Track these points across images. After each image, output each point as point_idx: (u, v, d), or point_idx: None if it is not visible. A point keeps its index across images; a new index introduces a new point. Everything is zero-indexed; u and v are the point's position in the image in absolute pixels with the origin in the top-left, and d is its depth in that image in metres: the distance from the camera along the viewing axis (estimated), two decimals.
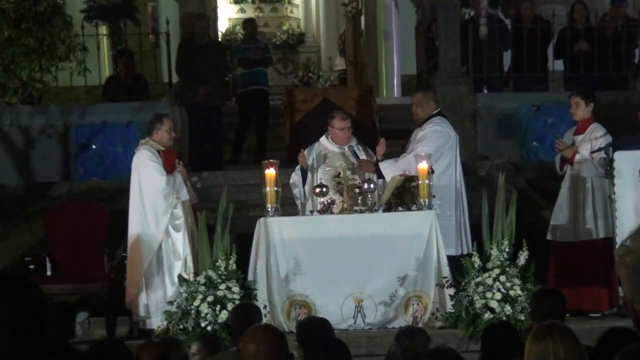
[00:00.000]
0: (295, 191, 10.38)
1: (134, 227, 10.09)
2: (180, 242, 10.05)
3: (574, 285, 10.25)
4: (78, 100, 14.86)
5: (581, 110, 10.57)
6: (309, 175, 10.32)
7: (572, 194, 10.44)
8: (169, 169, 10.14)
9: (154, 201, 10.03)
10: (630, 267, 3.22)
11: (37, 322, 3.07)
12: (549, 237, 10.54)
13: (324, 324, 6.12)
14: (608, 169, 10.00)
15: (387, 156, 10.26)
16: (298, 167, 10.40)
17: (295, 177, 10.39)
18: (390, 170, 9.99)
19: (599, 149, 10.19)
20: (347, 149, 10.34)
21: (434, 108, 10.49)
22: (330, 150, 10.38)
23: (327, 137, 10.46)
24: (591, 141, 10.38)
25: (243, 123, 14.79)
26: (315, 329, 5.94)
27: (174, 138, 10.48)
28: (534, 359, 3.90)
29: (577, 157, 10.36)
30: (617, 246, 9.71)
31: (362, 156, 10.32)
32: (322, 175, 10.24)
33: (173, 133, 10.39)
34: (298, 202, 10.43)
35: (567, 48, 14.50)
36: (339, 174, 10.11)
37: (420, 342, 6.08)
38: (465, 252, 9.98)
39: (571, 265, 10.34)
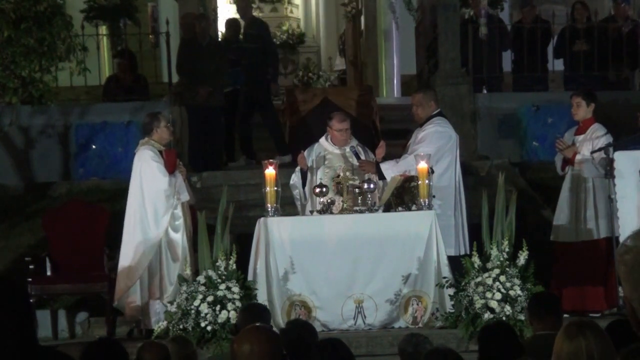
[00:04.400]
0: (295, 192, 10.37)
1: (133, 228, 10.07)
2: (179, 243, 10.04)
3: (575, 285, 10.26)
4: (78, 100, 14.84)
5: (582, 110, 10.56)
6: (309, 176, 10.29)
7: (574, 194, 10.43)
8: (171, 168, 10.13)
9: (155, 201, 10.02)
10: (629, 265, 3.24)
11: (21, 322, 3.04)
12: (552, 237, 10.54)
13: (307, 327, 6.10)
14: (608, 169, 9.99)
15: (387, 157, 10.25)
16: (298, 168, 10.38)
17: (295, 178, 10.37)
18: (391, 171, 9.99)
19: (599, 149, 10.18)
20: (348, 149, 10.32)
21: (434, 108, 10.49)
22: (330, 152, 10.36)
23: (326, 138, 10.44)
24: (592, 141, 10.38)
25: (227, 123, 14.64)
26: (298, 334, 5.92)
27: (172, 132, 10.49)
28: (566, 358, 3.87)
29: (578, 157, 10.36)
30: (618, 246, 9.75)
31: (363, 157, 10.30)
32: (321, 176, 10.22)
33: (171, 127, 10.39)
34: (298, 204, 10.42)
35: (566, 48, 14.49)
36: (339, 175, 10.09)
37: (423, 347, 6.07)
38: (464, 252, 9.98)
39: (572, 265, 10.33)
